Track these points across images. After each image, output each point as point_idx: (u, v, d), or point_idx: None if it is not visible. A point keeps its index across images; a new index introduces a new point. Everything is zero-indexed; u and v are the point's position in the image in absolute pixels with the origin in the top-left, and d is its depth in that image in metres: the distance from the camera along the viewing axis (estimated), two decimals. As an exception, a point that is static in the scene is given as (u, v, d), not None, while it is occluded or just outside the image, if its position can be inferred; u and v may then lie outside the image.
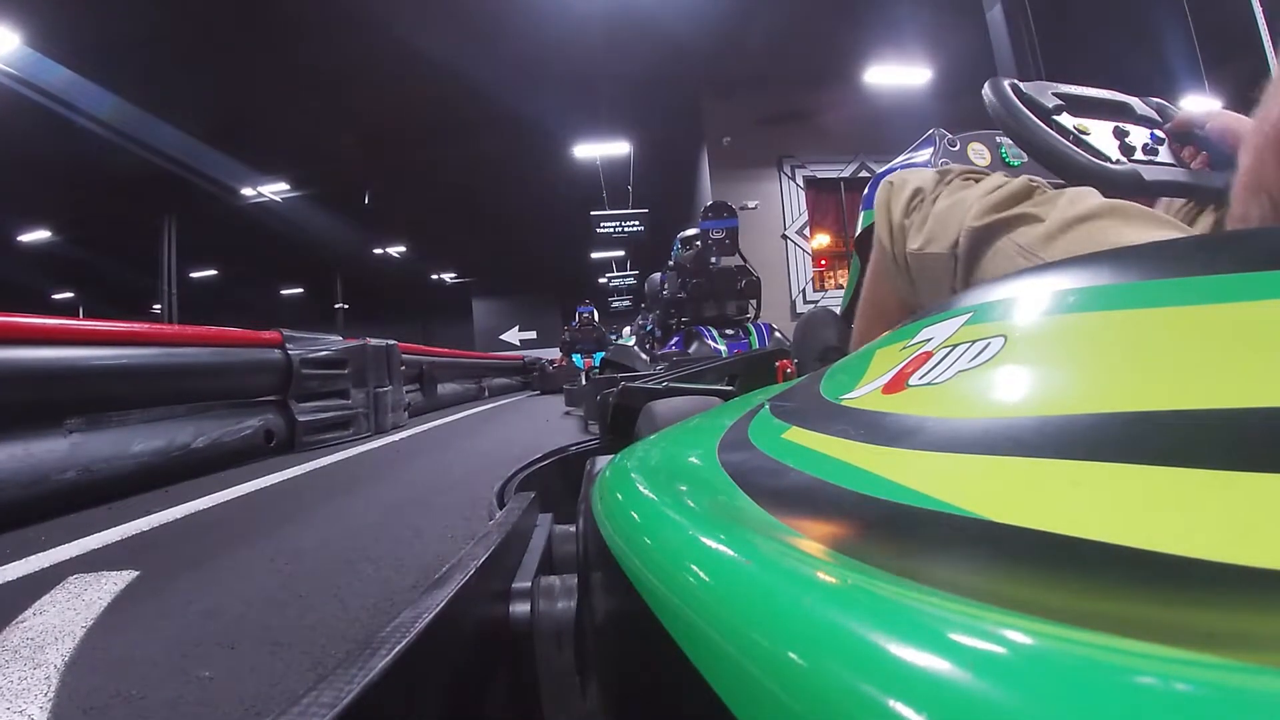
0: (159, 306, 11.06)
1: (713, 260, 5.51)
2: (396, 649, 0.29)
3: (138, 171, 9.07)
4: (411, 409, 4.84)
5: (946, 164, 1.01)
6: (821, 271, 9.30)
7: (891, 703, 0.12)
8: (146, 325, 2.62)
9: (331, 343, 3.71)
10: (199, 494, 2.11)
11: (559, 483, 1.35)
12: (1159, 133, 0.68)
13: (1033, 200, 0.58)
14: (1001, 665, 0.12)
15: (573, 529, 0.69)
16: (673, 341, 5.42)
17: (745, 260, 5.74)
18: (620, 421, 1.44)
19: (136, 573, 1.26)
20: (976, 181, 0.68)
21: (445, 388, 6.17)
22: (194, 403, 2.74)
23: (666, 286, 5.90)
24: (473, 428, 4.40)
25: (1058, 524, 0.20)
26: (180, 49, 6.83)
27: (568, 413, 4.94)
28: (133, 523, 1.72)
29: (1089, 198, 0.55)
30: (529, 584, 0.52)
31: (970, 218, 0.60)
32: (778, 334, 5.24)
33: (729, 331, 5.20)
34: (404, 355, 4.71)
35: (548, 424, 4.21)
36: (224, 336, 2.95)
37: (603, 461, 0.61)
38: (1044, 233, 0.54)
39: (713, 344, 4.99)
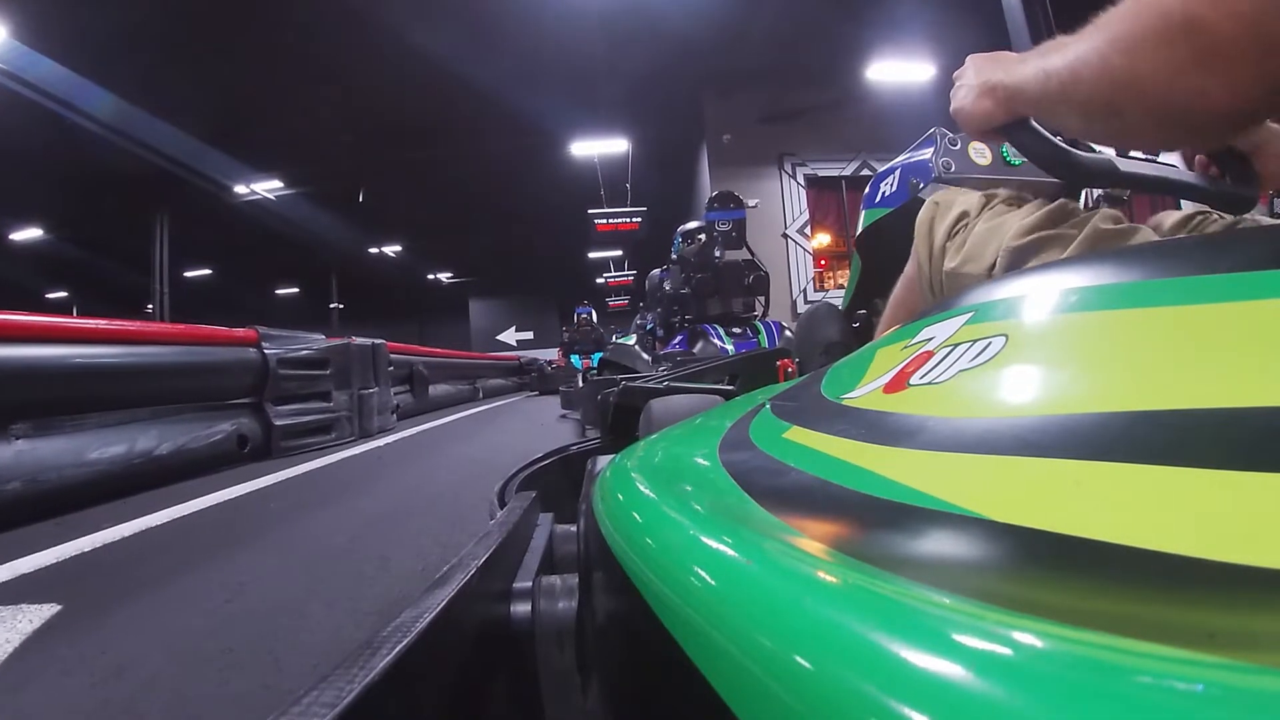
0: (152, 306, 11.03)
1: (718, 254, 5.19)
2: (397, 649, 0.29)
3: (129, 168, 8.95)
4: (400, 411, 4.68)
5: (948, 163, 1.01)
6: (821, 272, 9.26)
7: (893, 703, 0.12)
8: (105, 322, 2.41)
9: (312, 341, 3.53)
10: (157, 506, 1.95)
11: (560, 482, 1.35)
12: None
13: (1068, 222, 0.60)
14: (1003, 665, 0.12)
15: (574, 529, 0.69)
16: (676, 340, 5.13)
17: (753, 254, 5.42)
18: (621, 421, 1.44)
19: (58, 607, 1.13)
20: (1019, 205, 0.70)
21: (437, 389, 6.03)
22: (158, 406, 2.56)
23: (669, 282, 5.57)
24: (464, 432, 4.24)
25: (1060, 524, 0.20)
26: (171, 43, 6.74)
27: (563, 416, 4.81)
28: (73, 542, 1.57)
29: (1123, 218, 0.57)
30: (530, 584, 0.52)
31: (1009, 238, 0.62)
32: (788, 332, 4.86)
33: (736, 330, 4.89)
34: (393, 355, 4.55)
35: (543, 428, 4.06)
36: (193, 334, 2.77)
37: (604, 461, 0.61)
38: (1075, 249, 0.56)
39: (719, 343, 4.69)
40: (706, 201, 5.46)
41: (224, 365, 2.88)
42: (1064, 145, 0.56)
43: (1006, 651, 0.13)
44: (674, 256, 5.62)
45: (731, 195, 5.48)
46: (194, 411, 2.73)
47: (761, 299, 5.44)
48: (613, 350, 5.23)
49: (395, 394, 4.65)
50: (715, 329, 4.90)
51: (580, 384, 5.08)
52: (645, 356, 4.57)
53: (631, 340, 5.55)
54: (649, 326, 6.15)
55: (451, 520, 1.65)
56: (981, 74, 0.57)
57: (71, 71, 6.77)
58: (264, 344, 3.12)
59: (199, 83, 7.50)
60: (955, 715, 0.12)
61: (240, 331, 3.07)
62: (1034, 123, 0.55)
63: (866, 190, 1.29)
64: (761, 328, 4.90)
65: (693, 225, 5.54)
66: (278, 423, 3.07)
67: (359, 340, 3.93)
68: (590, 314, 10.56)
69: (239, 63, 7.28)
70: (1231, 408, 0.21)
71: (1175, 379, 0.24)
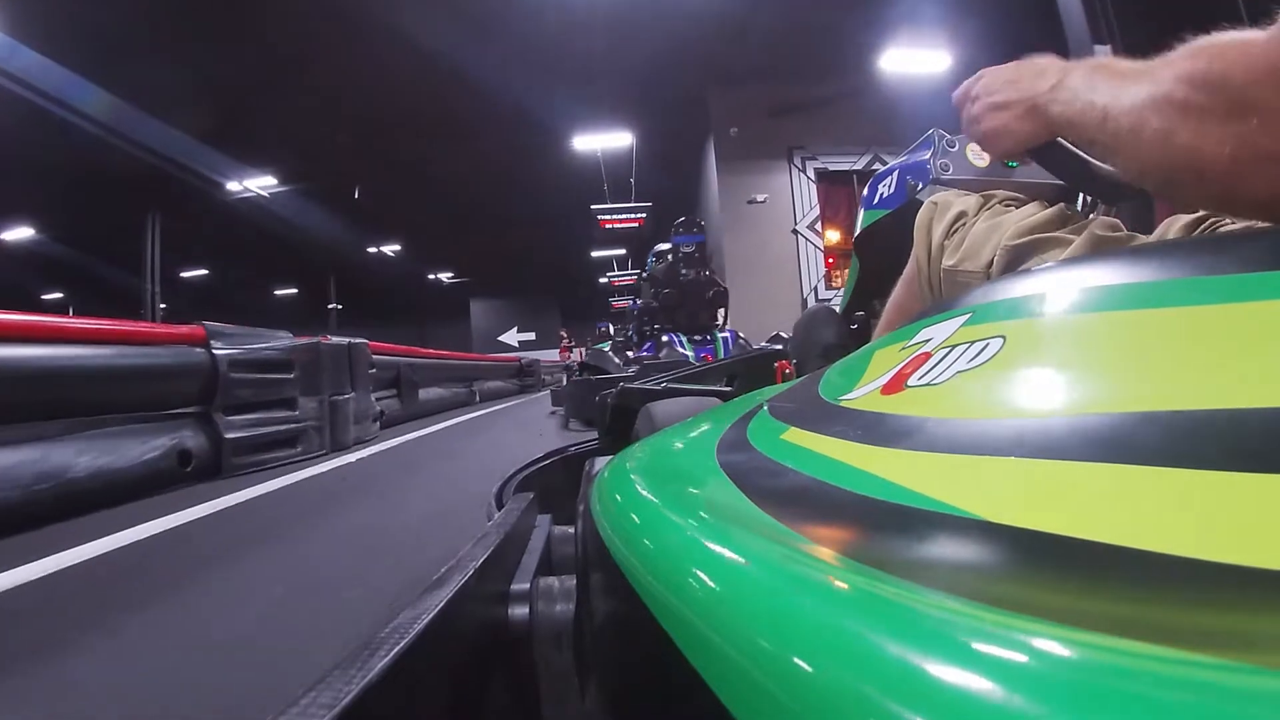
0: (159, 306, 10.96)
1: (683, 272, 6.15)
2: (395, 650, 0.29)
3: (120, 165, 8.78)
4: (385, 418, 4.40)
5: (946, 165, 1.01)
6: (829, 270, 8.96)
7: (891, 704, 0.12)
8: (9, 315, 2.01)
9: (274, 340, 3.13)
10: (46, 549, 1.53)
11: (560, 483, 1.34)
12: None
13: (1067, 226, 0.60)
14: (1000, 667, 0.12)
15: (572, 530, 0.68)
16: (646, 347, 6.01)
17: (713, 272, 6.48)
18: (619, 422, 1.44)
19: None
20: (1017, 207, 0.70)
21: (429, 393, 5.79)
22: (77, 417, 2.14)
23: (640, 297, 6.63)
24: (454, 442, 3.96)
25: (1056, 525, 0.20)
26: (162, 36, 6.62)
27: (552, 412, 5.10)
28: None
29: (1120, 226, 0.57)
30: (528, 585, 0.52)
31: (1007, 237, 0.62)
32: (741, 340, 5.85)
33: (697, 338, 5.77)
34: (378, 356, 4.29)
35: (541, 439, 3.77)
36: (124, 333, 2.38)
37: (601, 462, 0.61)
38: (1070, 254, 0.56)
39: (681, 350, 5.48)
40: (673, 226, 6.38)
41: (162, 369, 2.46)
42: (1095, 162, 0.55)
43: (1004, 653, 0.13)
44: (645, 273, 6.62)
45: (694, 221, 6.58)
46: (123, 424, 2.29)
47: (722, 311, 6.37)
48: (591, 355, 6.02)
49: (379, 399, 4.36)
50: (678, 337, 5.79)
51: (563, 383, 5.83)
52: (617, 360, 5.32)
53: (606, 346, 6.54)
54: (629, 333, 7.12)
55: (417, 576, 1.23)
56: (1010, 93, 0.54)
57: (59, 65, 6.63)
58: (213, 343, 2.70)
59: (190, 77, 7.37)
60: (954, 717, 0.12)
61: (184, 329, 2.68)
62: (1062, 141, 0.54)
63: (865, 191, 1.29)
64: (719, 337, 5.83)
65: (664, 246, 6.59)
66: (229, 435, 2.65)
67: (333, 339, 3.56)
68: (608, 327, 12.89)
69: (232, 56, 7.15)
70: (1230, 409, 0.21)
71: (1173, 381, 0.24)
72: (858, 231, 1.32)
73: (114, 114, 7.68)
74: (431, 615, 0.33)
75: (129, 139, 8.27)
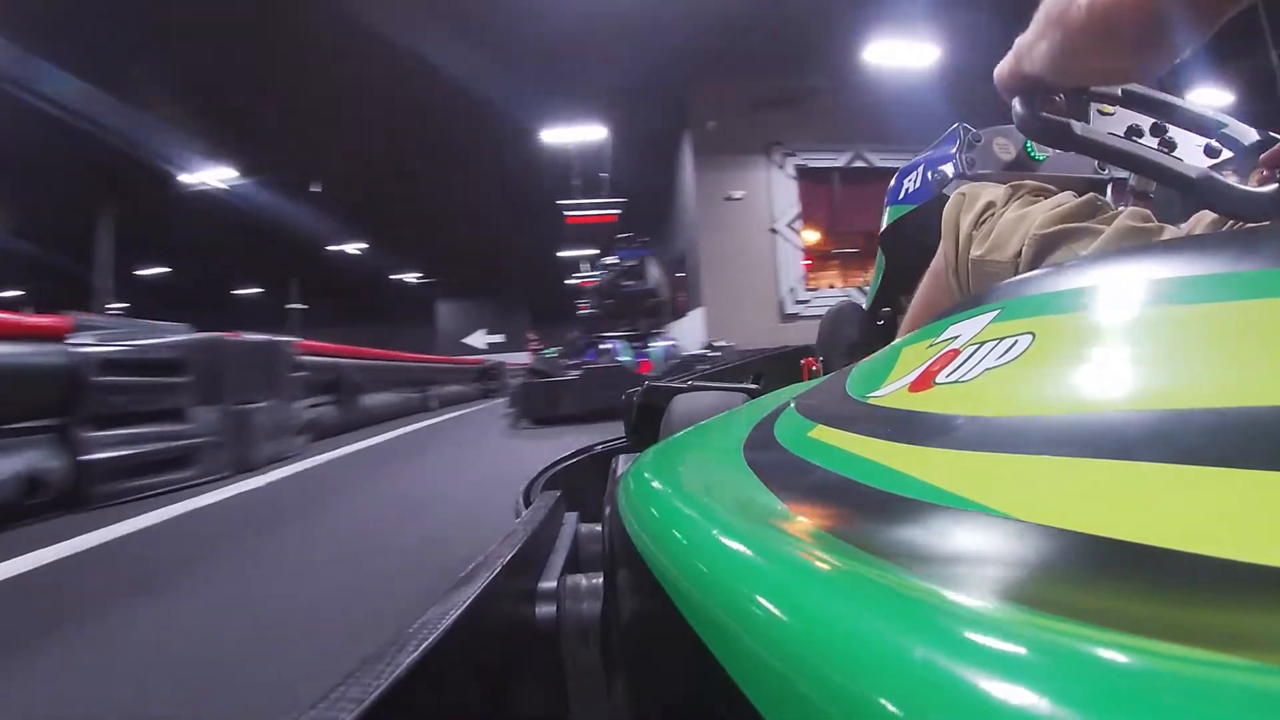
0: (116, 305, 10.33)
1: (625, 284, 6.95)
2: (424, 645, 0.29)
3: (71, 153, 8.23)
4: (322, 428, 3.87)
5: (971, 160, 1.00)
6: (807, 271, 8.61)
7: (924, 707, 0.12)
8: None
9: (161, 335, 2.60)
10: None
11: (585, 480, 1.35)
12: (1213, 143, 0.65)
13: (1096, 217, 0.59)
14: (1037, 670, 0.12)
15: (599, 528, 0.69)
16: (589, 353, 6.58)
17: (651, 285, 7.29)
18: (645, 420, 1.44)
19: None
20: (1046, 197, 0.69)
21: (375, 399, 5.30)
22: None
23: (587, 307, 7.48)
24: (398, 459, 3.37)
25: (1090, 524, 0.19)
26: (124, 19, 6.26)
27: (508, 412, 5.44)
28: None
29: (1151, 217, 0.56)
30: (555, 583, 0.53)
31: (1036, 226, 0.61)
32: (675, 345, 6.57)
33: (636, 344, 6.50)
34: (311, 357, 3.83)
35: (506, 454, 3.27)
36: None
37: (628, 460, 0.61)
38: (1100, 245, 0.55)
39: (619, 356, 6.17)
40: (615, 240, 7.31)
41: (7, 371, 1.97)
42: (1043, 115, 0.55)
43: (1041, 656, 0.13)
44: (594, 284, 7.38)
45: (635, 237, 7.47)
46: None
47: (659, 319, 7.30)
48: (538, 360, 6.94)
49: (314, 406, 3.81)
50: (617, 344, 6.50)
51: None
52: (561, 364, 6.07)
53: (554, 352, 7.43)
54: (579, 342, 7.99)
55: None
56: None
57: (7, 42, 6.22)
58: (78, 338, 2.20)
59: (147, 61, 7.01)
60: (983, 717, 0.12)
61: (44, 320, 2.18)
62: (1046, 114, 0.55)
63: (890, 185, 1.28)
64: (653, 346, 6.56)
65: (611, 260, 7.47)
66: (94, 456, 2.12)
67: (247, 336, 3.06)
68: (578, 334, 12.87)
69: (191, 43, 6.82)
70: (1267, 406, 0.21)
71: (1207, 377, 0.24)
72: (883, 227, 1.30)
73: (66, 97, 7.19)
74: (459, 611, 0.34)
75: (79, 115, 7.59)
